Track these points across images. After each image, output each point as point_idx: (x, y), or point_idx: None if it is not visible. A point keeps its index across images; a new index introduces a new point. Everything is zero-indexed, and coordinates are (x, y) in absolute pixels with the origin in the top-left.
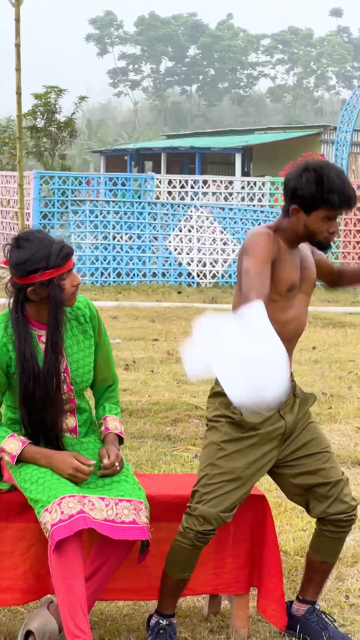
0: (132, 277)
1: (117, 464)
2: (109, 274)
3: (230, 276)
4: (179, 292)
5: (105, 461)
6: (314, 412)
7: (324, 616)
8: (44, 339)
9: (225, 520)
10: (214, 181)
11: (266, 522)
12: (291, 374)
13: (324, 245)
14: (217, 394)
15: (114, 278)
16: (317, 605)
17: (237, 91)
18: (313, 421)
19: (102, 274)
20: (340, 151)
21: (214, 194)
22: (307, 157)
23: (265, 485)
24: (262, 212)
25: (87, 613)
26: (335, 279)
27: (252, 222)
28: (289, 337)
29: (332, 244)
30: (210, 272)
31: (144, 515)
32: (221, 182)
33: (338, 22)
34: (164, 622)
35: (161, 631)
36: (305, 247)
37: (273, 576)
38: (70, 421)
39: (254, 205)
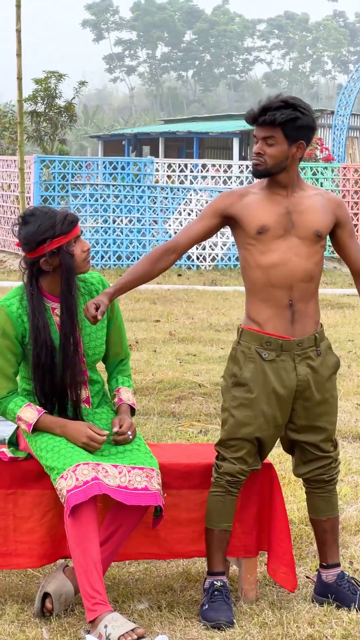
0: (132, 260)
1: (129, 432)
2: (109, 257)
3: (229, 259)
4: (179, 275)
5: (116, 429)
6: None
7: (354, 582)
8: (58, 311)
9: (255, 469)
10: (213, 165)
11: (273, 489)
12: (320, 326)
13: (252, 169)
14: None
15: (114, 261)
16: (346, 572)
17: (233, 76)
18: (332, 395)
19: (102, 257)
20: (337, 135)
21: (212, 177)
22: None
23: (270, 459)
24: None
25: (102, 575)
26: (353, 274)
27: None
28: (282, 285)
29: (254, 166)
30: (209, 255)
31: (155, 482)
32: (220, 166)
33: (334, 6)
34: (219, 584)
35: (216, 592)
36: (318, 197)
37: (282, 541)
38: (83, 393)
39: None
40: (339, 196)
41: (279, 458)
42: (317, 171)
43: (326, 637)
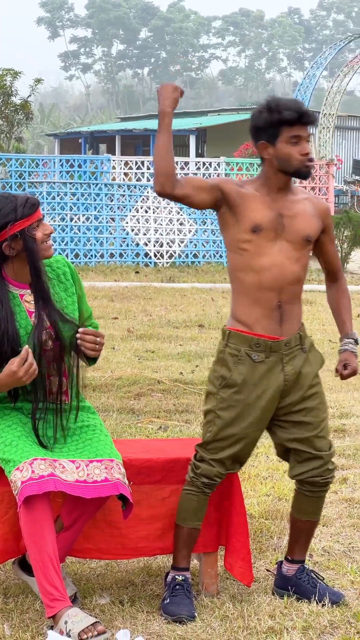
0: (90, 258)
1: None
2: (66, 255)
3: (187, 256)
4: (137, 272)
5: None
6: None
7: (313, 575)
8: (27, 297)
9: (234, 471)
10: None
11: (233, 484)
12: (301, 327)
13: (302, 172)
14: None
15: (72, 259)
16: (306, 565)
17: (189, 73)
18: (319, 391)
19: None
20: None
21: None
22: None
23: None
24: None
25: (60, 569)
26: (327, 275)
27: None
28: (273, 287)
29: (308, 168)
30: (167, 252)
31: (116, 472)
32: (177, 163)
33: (289, 3)
34: (180, 578)
35: (177, 587)
36: (307, 202)
37: (240, 535)
38: (62, 382)
39: None
40: (326, 203)
41: None
42: None
43: (287, 629)
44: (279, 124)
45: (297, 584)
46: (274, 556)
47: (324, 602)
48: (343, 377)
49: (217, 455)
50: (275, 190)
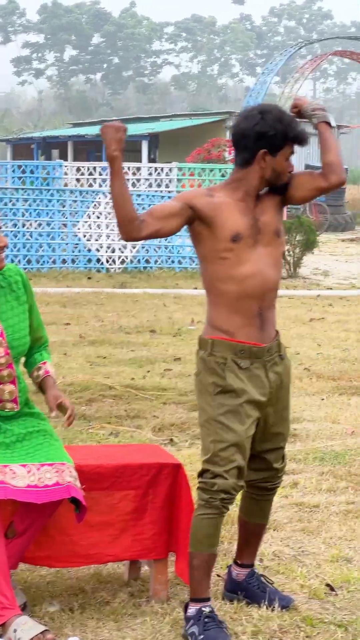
0: (42, 264)
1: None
2: (19, 261)
3: (139, 261)
4: (89, 278)
5: (69, 413)
6: None
7: (263, 579)
8: None
9: (242, 486)
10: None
11: (182, 489)
12: (277, 333)
13: (284, 187)
14: (203, 359)
15: (24, 265)
16: (256, 569)
17: (142, 79)
18: (289, 401)
19: (12, 261)
20: None
21: None
22: (213, 141)
23: (180, 459)
24: (169, 197)
25: (9, 578)
26: (317, 177)
27: None
28: (255, 295)
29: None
30: (119, 257)
31: (67, 475)
32: (128, 168)
33: (240, 9)
34: (207, 610)
35: (207, 620)
36: (266, 199)
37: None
38: (12, 389)
39: (161, 191)
40: None
41: (190, 459)
42: (227, 172)
43: (236, 634)
44: (287, 139)
45: (247, 588)
46: (224, 561)
47: (273, 606)
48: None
49: (229, 465)
50: (251, 196)
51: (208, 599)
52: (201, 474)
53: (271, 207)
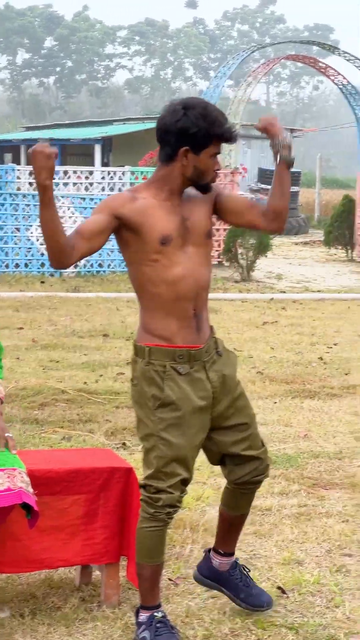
0: None
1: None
2: None
3: (92, 265)
4: (42, 282)
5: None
6: None
7: (245, 571)
8: None
9: (185, 494)
10: (75, 172)
11: (134, 493)
12: (211, 330)
13: (209, 186)
14: (140, 370)
15: None
16: (238, 559)
17: (95, 83)
18: (242, 390)
19: None
20: None
21: (74, 184)
22: None
23: (133, 464)
24: None
25: None
26: (257, 214)
27: None
28: (188, 296)
29: (213, 182)
30: None
31: (18, 481)
32: (81, 172)
33: (193, 13)
34: (159, 615)
35: (158, 624)
36: (195, 198)
37: None
38: None
39: None
40: None
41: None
42: None
43: (188, 638)
44: (212, 138)
45: (228, 580)
46: (176, 565)
47: (252, 604)
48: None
49: (171, 480)
50: (176, 194)
51: (159, 606)
52: (144, 486)
53: (202, 208)
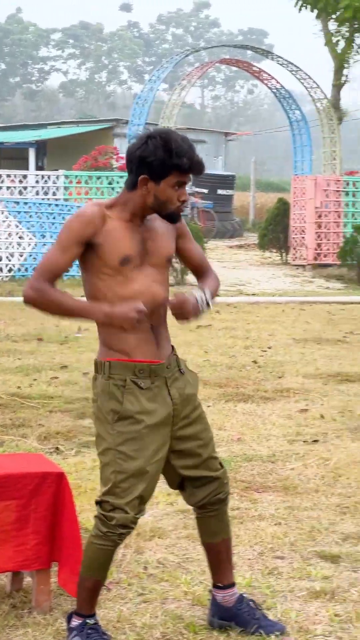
0: None
1: None
2: None
3: (26, 270)
4: None
5: None
6: None
7: (252, 604)
8: None
9: (142, 515)
10: (8, 175)
11: (65, 499)
12: (172, 348)
13: (175, 216)
14: (101, 384)
15: None
16: (244, 595)
17: (29, 86)
18: (202, 411)
19: None
20: None
21: (8, 188)
22: (100, 149)
23: (66, 468)
24: (56, 205)
25: None
26: (198, 274)
27: (46, 216)
28: None
29: (180, 212)
30: (6, 265)
31: None
32: (15, 176)
33: (128, 17)
34: (91, 622)
35: (90, 630)
36: (160, 222)
37: (73, 550)
38: None
39: (48, 199)
40: None
41: (76, 467)
42: (113, 180)
43: None
44: (172, 168)
45: (238, 614)
46: (110, 571)
47: (260, 634)
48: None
49: (128, 497)
50: (139, 216)
51: (94, 615)
52: (99, 503)
53: (165, 233)
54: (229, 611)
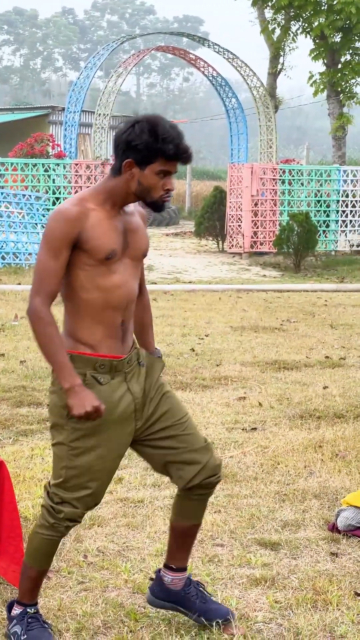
0: None
1: None
2: None
3: None
4: None
5: None
6: None
7: (201, 588)
8: None
9: (92, 509)
10: None
11: (4, 487)
12: (134, 342)
13: (158, 205)
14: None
15: None
16: (191, 576)
17: None
18: (167, 391)
19: None
20: (69, 132)
21: None
22: (36, 136)
23: (4, 457)
24: None
25: None
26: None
27: None
28: (120, 305)
29: (165, 203)
30: None
31: None
32: None
33: (63, 3)
34: (32, 610)
35: (30, 619)
36: (136, 214)
37: (13, 539)
38: None
39: None
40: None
41: (14, 456)
42: (49, 167)
43: (60, 631)
44: (157, 153)
45: (185, 598)
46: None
47: (210, 620)
48: None
49: (79, 493)
50: (119, 206)
51: (35, 604)
52: (48, 493)
53: (141, 227)
54: (175, 594)
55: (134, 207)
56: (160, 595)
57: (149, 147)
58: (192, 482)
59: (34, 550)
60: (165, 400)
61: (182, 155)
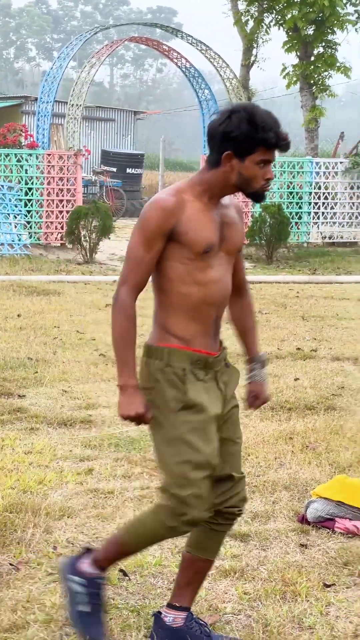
0: None
1: None
2: None
3: None
4: None
5: None
6: (22, 377)
7: (201, 621)
8: None
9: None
10: None
11: None
12: (220, 343)
13: (259, 194)
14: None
15: None
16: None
17: None
18: (237, 404)
19: None
20: (42, 122)
21: None
22: (9, 126)
23: None
24: None
25: None
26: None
27: None
28: (216, 301)
29: (265, 192)
30: None
31: None
32: None
33: None
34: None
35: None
36: (232, 207)
37: None
38: None
39: None
40: (239, 203)
41: None
42: (22, 158)
43: (28, 622)
44: (258, 143)
45: (190, 634)
46: (17, 550)
47: None
48: (255, 408)
49: (200, 489)
50: (217, 198)
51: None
52: (166, 492)
53: (238, 223)
54: (178, 632)
55: (229, 200)
56: (162, 637)
57: (249, 138)
58: (229, 502)
59: (144, 537)
60: (234, 412)
61: (282, 142)
